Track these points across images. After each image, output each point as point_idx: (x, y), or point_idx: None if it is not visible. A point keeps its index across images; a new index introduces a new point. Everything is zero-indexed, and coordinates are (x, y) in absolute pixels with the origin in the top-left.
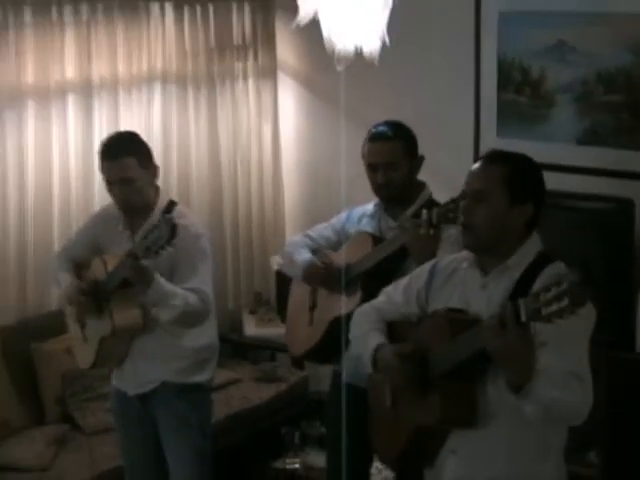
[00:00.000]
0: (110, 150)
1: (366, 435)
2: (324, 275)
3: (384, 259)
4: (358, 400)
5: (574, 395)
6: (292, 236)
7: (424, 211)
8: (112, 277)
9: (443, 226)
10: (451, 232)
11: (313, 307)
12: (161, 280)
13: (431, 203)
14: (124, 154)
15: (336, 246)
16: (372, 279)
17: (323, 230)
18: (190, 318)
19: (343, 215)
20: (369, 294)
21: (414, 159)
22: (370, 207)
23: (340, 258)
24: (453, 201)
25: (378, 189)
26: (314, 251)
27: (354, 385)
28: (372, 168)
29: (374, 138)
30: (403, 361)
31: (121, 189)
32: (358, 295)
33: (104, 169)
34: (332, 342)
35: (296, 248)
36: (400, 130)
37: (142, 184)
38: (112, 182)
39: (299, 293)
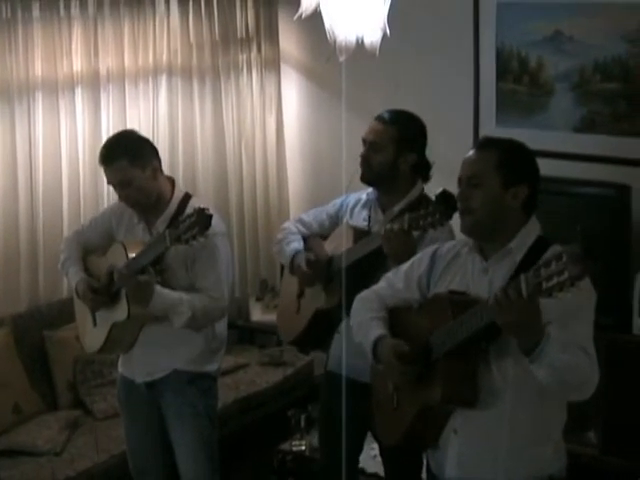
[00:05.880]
0: (102, 155)
1: (357, 425)
2: (305, 273)
3: (365, 257)
4: (344, 390)
5: (584, 364)
6: (286, 222)
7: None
8: (136, 262)
9: (429, 229)
10: (435, 234)
11: (301, 295)
12: (163, 291)
13: (420, 200)
14: (114, 158)
15: (329, 231)
16: (354, 275)
17: (318, 214)
18: (202, 319)
19: (338, 201)
20: (351, 291)
21: (404, 150)
22: (364, 195)
23: (328, 248)
24: (426, 208)
25: (360, 164)
26: (305, 238)
27: (341, 375)
28: (362, 143)
29: (375, 118)
30: (401, 360)
31: (122, 191)
32: (339, 292)
33: (105, 174)
34: (316, 332)
35: (286, 235)
36: (399, 118)
37: (140, 182)
38: (113, 185)
39: (289, 280)
